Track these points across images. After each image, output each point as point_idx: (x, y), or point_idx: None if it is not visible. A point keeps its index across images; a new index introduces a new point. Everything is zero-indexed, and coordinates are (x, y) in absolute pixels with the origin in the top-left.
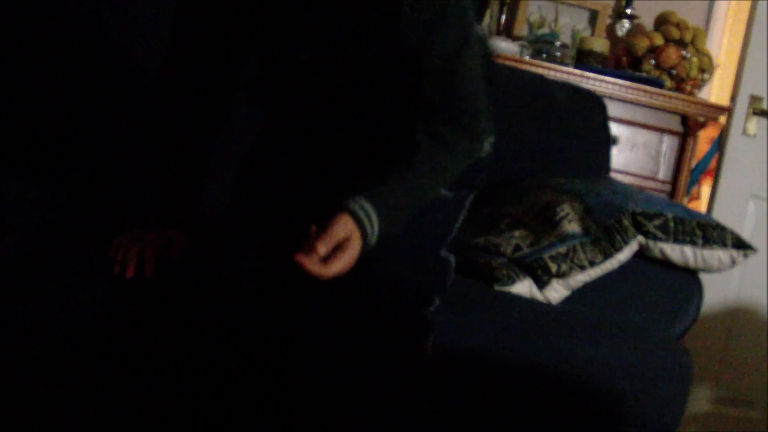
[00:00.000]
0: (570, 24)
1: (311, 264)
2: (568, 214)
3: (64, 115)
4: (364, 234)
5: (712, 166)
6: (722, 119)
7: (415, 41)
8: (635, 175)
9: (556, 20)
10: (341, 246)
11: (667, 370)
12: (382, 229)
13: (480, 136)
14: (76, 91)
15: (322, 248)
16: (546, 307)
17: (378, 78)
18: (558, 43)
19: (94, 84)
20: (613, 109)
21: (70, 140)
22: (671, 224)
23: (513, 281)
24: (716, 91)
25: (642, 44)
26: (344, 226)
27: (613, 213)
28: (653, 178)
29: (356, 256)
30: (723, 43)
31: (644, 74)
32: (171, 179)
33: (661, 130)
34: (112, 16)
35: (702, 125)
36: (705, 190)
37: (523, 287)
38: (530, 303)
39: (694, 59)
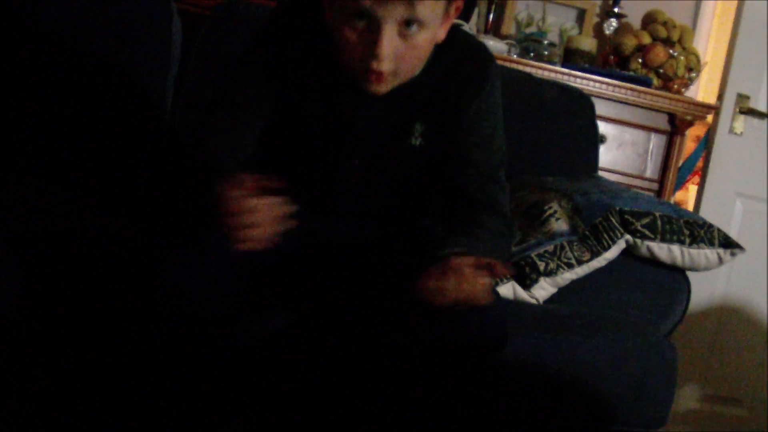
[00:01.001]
0: (558, 23)
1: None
2: (555, 212)
3: (63, 120)
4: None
5: (700, 164)
6: (709, 118)
7: (472, 150)
8: (623, 174)
9: (543, 19)
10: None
11: (652, 364)
12: None
13: (512, 223)
14: (73, 96)
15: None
16: (529, 306)
17: (437, 170)
18: (546, 42)
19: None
20: (600, 107)
21: (68, 145)
22: (659, 223)
23: (495, 284)
24: (703, 89)
25: (629, 43)
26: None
27: (600, 211)
28: (641, 177)
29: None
30: (710, 42)
31: (632, 73)
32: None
33: (649, 129)
34: (109, 19)
35: (689, 124)
36: (692, 188)
37: (506, 290)
38: (512, 303)
39: (682, 58)
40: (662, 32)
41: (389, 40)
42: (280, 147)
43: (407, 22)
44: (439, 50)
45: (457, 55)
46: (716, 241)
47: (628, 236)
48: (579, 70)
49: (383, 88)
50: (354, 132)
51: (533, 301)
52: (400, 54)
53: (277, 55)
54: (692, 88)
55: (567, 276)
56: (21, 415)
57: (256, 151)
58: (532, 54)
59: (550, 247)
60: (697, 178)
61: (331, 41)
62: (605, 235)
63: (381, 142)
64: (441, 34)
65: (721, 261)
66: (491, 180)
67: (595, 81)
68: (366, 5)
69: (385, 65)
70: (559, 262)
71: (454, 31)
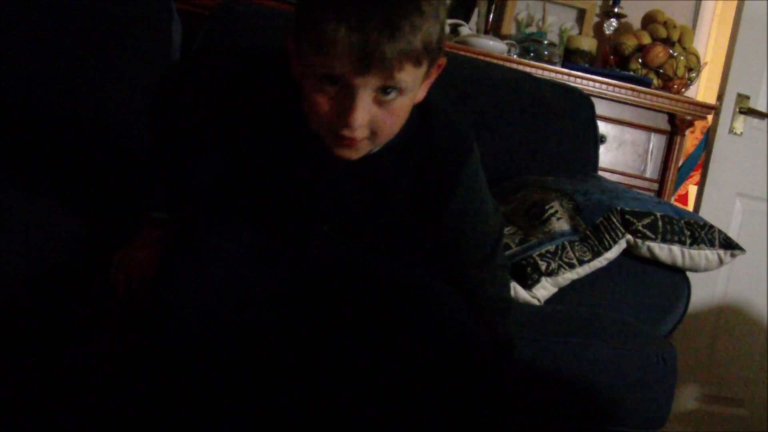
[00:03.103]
0: (558, 22)
1: None
2: (556, 212)
3: (63, 120)
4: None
5: (700, 164)
6: (709, 117)
7: (455, 239)
8: (623, 174)
9: (543, 19)
10: None
11: (652, 365)
12: None
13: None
14: (75, 96)
15: None
16: (529, 306)
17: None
18: (546, 42)
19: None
20: (600, 107)
21: (69, 145)
22: (660, 223)
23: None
24: (703, 89)
25: (629, 43)
26: None
27: (602, 211)
28: (641, 177)
29: None
30: (710, 42)
31: (632, 73)
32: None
33: (649, 129)
34: (109, 19)
35: (689, 124)
36: (692, 188)
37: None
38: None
39: (682, 58)
40: (662, 32)
41: (364, 109)
42: (245, 200)
43: (384, 89)
44: (416, 132)
45: (434, 144)
46: (717, 242)
47: (629, 236)
48: (579, 70)
49: (356, 154)
50: (321, 198)
51: (534, 301)
52: (375, 120)
53: (231, 111)
54: (692, 88)
55: (568, 276)
56: (21, 415)
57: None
58: (532, 54)
59: (552, 247)
60: (696, 178)
61: (298, 98)
62: (606, 235)
63: (350, 212)
64: (421, 94)
65: (721, 262)
66: (482, 269)
67: (595, 81)
68: (340, 72)
69: (358, 133)
70: (560, 262)
71: (433, 107)
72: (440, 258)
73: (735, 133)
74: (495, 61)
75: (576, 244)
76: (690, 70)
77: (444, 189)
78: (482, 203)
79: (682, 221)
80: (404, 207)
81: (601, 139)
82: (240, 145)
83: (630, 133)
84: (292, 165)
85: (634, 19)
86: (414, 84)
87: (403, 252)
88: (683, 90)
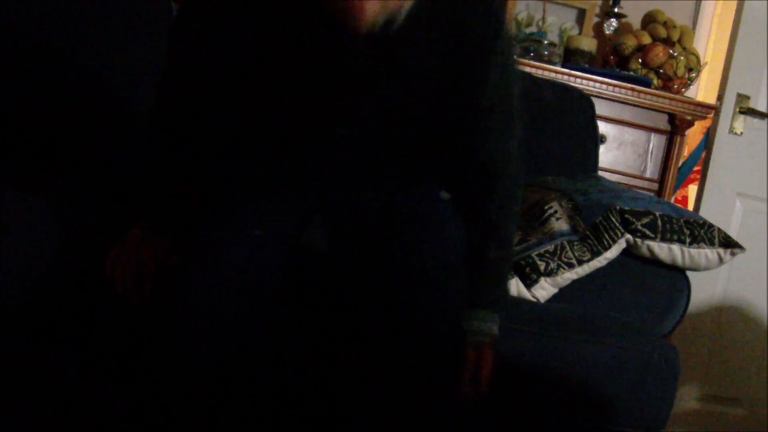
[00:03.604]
0: (558, 22)
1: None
2: (556, 212)
3: (63, 120)
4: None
5: (700, 164)
6: (709, 117)
7: (488, 110)
8: (623, 174)
9: (543, 19)
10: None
11: (654, 366)
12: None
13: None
14: (75, 96)
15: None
16: (533, 306)
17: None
18: (546, 42)
19: (93, 88)
20: (600, 107)
21: (69, 145)
22: (659, 222)
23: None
24: (703, 89)
25: (629, 43)
26: (473, 358)
27: (601, 211)
28: (641, 177)
29: (492, 360)
30: (710, 42)
31: (632, 73)
32: (164, 187)
33: (649, 129)
34: (109, 19)
35: (689, 124)
36: (692, 188)
37: (510, 287)
38: (516, 301)
39: (682, 58)
40: (662, 32)
41: None
42: (253, 129)
43: None
44: (443, 3)
45: (465, 13)
46: (716, 241)
47: (628, 236)
48: (579, 70)
49: (367, 22)
50: (343, 86)
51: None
52: None
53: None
54: (692, 88)
55: (567, 276)
56: (21, 415)
57: (234, 141)
58: (532, 54)
59: (551, 247)
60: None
61: None
62: (606, 235)
63: (375, 99)
64: None
65: (721, 261)
66: (507, 138)
67: (595, 81)
68: None
69: None
70: (559, 262)
71: None
72: (460, 152)
73: (735, 133)
74: None
75: (575, 244)
76: (690, 70)
77: (480, 56)
78: (513, 79)
79: (682, 220)
80: (434, 83)
81: (601, 139)
82: (250, 43)
83: (630, 133)
84: (309, 51)
85: (634, 19)
86: None
87: (420, 157)
88: (683, 90)
